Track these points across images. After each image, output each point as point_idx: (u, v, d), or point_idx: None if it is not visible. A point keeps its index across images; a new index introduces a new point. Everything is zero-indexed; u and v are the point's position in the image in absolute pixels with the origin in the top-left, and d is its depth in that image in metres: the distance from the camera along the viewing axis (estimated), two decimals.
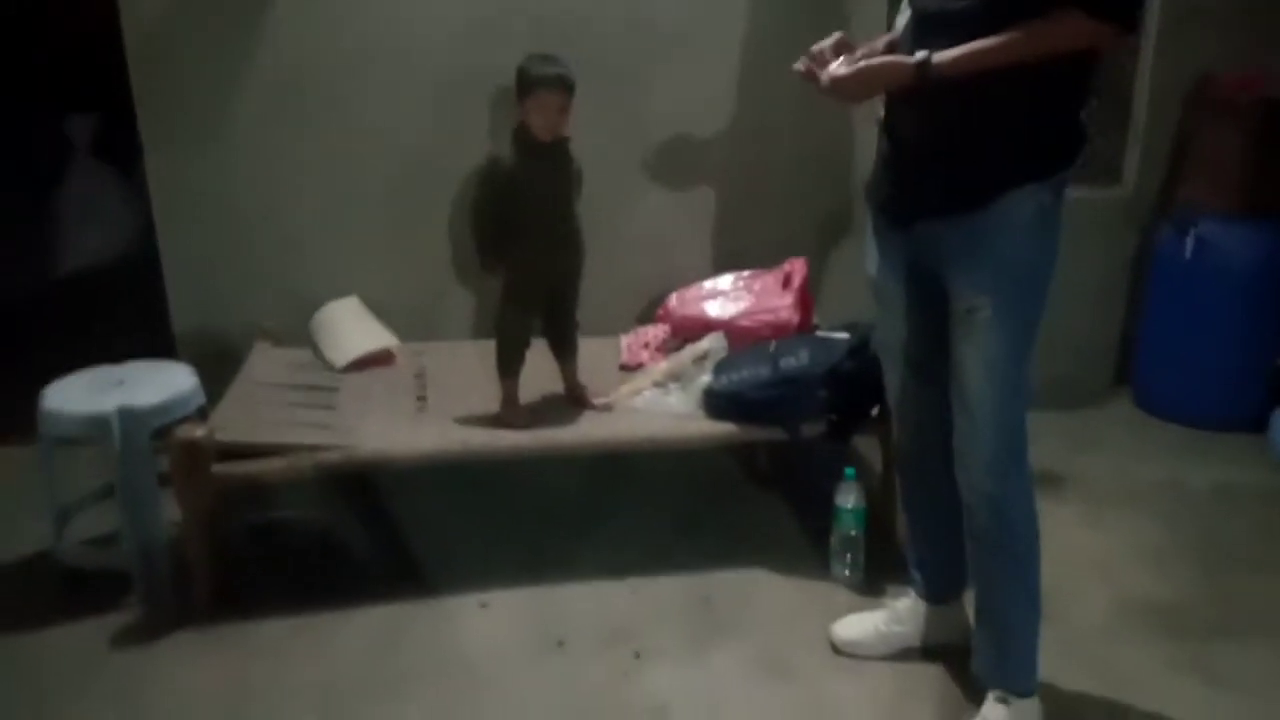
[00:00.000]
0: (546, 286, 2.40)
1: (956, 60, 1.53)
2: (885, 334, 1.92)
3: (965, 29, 1.53)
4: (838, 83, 1.62)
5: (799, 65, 1.72)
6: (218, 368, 2.60)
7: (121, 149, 4.32)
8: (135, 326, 2.87)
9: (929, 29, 1.61)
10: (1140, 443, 3.08)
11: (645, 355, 2.76)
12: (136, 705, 1.95)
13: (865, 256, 1.90)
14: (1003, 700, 1.77)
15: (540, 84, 2.21)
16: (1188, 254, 3.05)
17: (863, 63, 1.63)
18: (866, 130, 2.87)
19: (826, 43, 1.70)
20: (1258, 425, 3.04)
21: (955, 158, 1.62)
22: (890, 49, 1.70)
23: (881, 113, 1.78)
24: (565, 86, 2.23)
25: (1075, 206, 3.22)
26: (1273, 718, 1.92)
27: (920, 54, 1.56)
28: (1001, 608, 1.78)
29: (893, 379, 1.93)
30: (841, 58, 1.67)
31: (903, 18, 1.74)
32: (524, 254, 2.30)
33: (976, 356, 1.65)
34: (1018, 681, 1.78)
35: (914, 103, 1.65)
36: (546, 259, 2.35)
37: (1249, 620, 2.22)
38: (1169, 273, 3.14)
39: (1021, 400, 1.68)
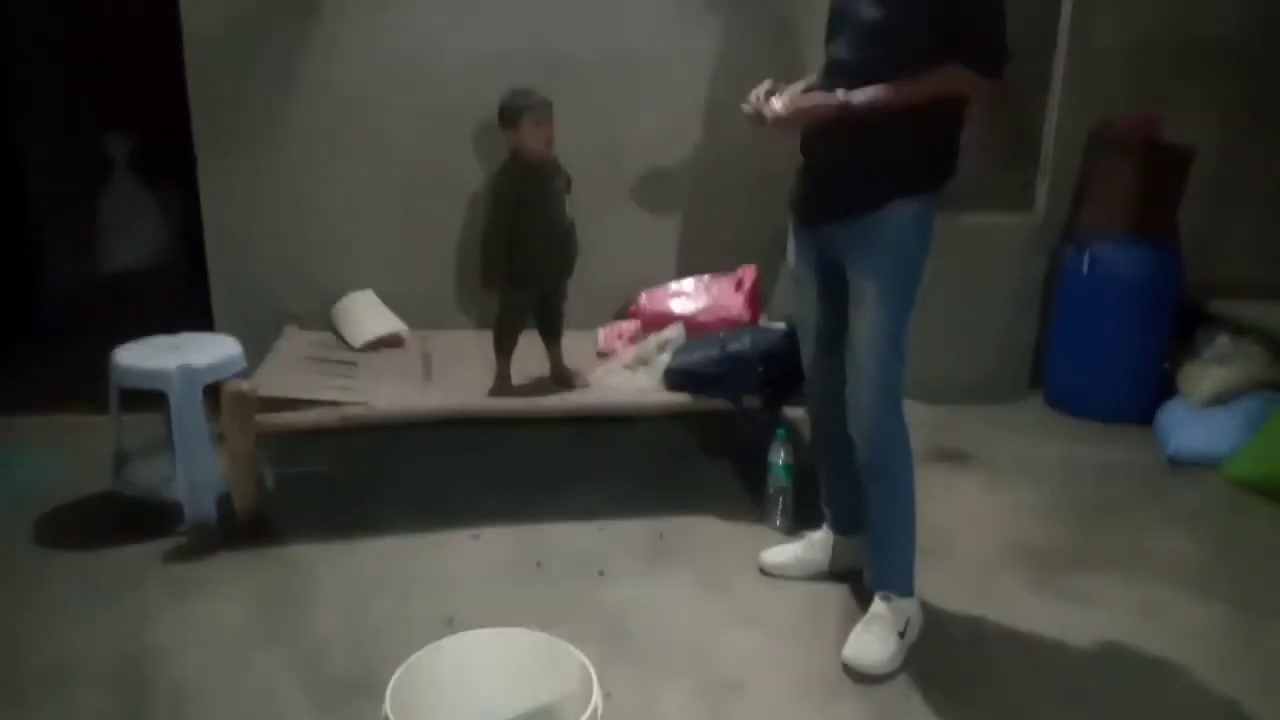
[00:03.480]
0: (542, 283, 2.86)
1: (866, 101, 2.02)
2: (801, 314, 2.40)
3: (866, 77, 2.03)
4: (778, 119, 2.11)
5: (746, 107, 2.19)
6: (252, 348, 3.06)
7: (155, 166, 4.87)
8: (179, 316, 3.35)
9: (839, 75, 2.10)
10: (1044, 431, 3.56)
11: (619, 344, 3.24)
12: (192, 601, 2.40)
13: (786, 251, 2.39)
14: (886, 599, 2.23)
15: (528, 110, 2.70)
16: (1086, 270, 3.55)
17: (799, 102, 2.10)
18: None
19: (762, 89, 2.19)
20: (1146, 418, 3.53)
21: (854, 175, 2.11)
22: (807, 89, 2.20)
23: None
24: (546, 108, 2.71)
25: (996, 229, 3.82)
26: (1110, 625, 2.38)
27: (842, 94, 2.04)
28: (882, 524, 2.25)
29: (807, 350, 2.41)
30: (774, 97, 2.16)
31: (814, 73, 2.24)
32: (525, 259, 2.75)
33: (865, 325, 2.13)
34: (898, 584, 2.25)
35: (825, 131, 2.14)
36: (544, 263, 2.80)
37: (1104, 557, 2.69)
38: (1071, 287, 3.64)
39: (900, 363, 2.15)
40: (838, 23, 2.13)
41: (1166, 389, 3.55)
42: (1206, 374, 3.39)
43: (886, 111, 2.01)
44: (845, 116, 2.04)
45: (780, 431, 2.75)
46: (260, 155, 3.26)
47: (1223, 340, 3.46)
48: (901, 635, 2.19)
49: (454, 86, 3.28)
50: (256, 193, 3.29)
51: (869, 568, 2.31)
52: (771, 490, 2.76)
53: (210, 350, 2.76)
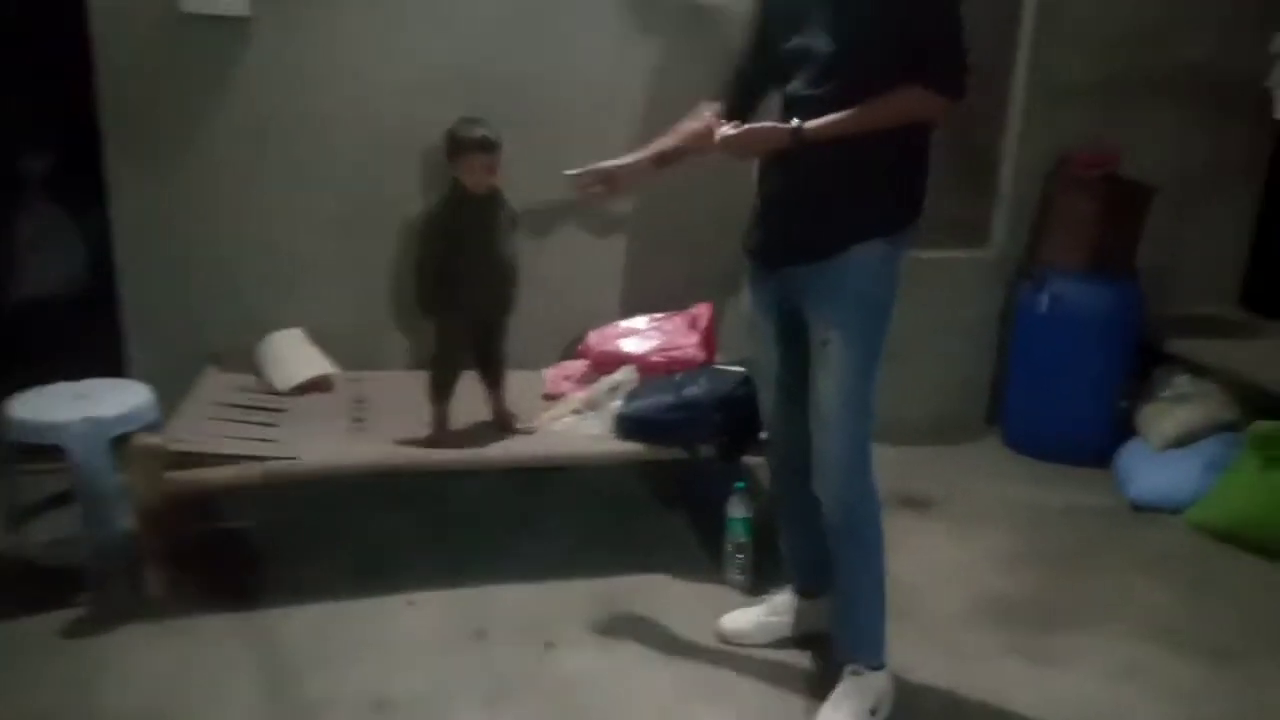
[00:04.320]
0: (479, 322, 2.68)
1: (822, 127, 1.88)
2: (760, 362, 2.25)
3: (825, 109, 1.90)
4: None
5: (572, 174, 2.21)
6: (169, 390, 2.83)
7: (75, 188, 4.54)
8: (90, 352, 3.08)
9: (796, 108, 1.97)
10: (1004, 473, 3.47)
11: (566, 386, 3.06)
12: (88, 686, 2.15)
13: (744, 295, 2.24)
14: (856, 673, 2.08)
15: (467, 147, 2.52)
16: (1044, 308, 3.47)
17: (748, 125, 1.97)
18: None
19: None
20: (1104, 460, 3.45)
21: (815, 215, 1.97)
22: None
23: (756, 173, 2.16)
24: (490, 147, 2.53)
25: (950, 265, 3.70)
26: (1090, 689, 2.26)
27: (795, 121, 1.91)
28: (852, 592, 2.10)
29: (767, 401, 2.26)
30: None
31: (710, 108, 2.15)
32: (461, 293, 2.57)
33: (829, 380, 1.98)
34: (868, 655, 2.09)
35: (782, 167, 2.00)
36: (481, 297, 2.63)
37: (1074, 613, 2.58)
38: (1028, 324, 3.56)
39: (868, 418, 2.01)
40: (793, 59, 1.98)
41: (1125, 429, 3.48)
42: (1166, 414, 3.32)
43: (846, 142, 1.88)
44: (798, 144, 1.90)
45: (739, 484, 2.60)
46: (178, 181, 3.02)
47: (1181, 380, 3.41)
48: (874, 713, 2.04)
49: (393, 109, 3.08)
50: (174, 221, 3.05)
51: (837, 638, 2.16)
52: (730, 547, 2.60)
53: (118, 399, 2.52)
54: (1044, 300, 3.47)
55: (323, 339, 3.14)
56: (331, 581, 2.55)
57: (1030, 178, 3.64)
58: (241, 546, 2.75)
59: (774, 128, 1.94)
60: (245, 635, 2.34)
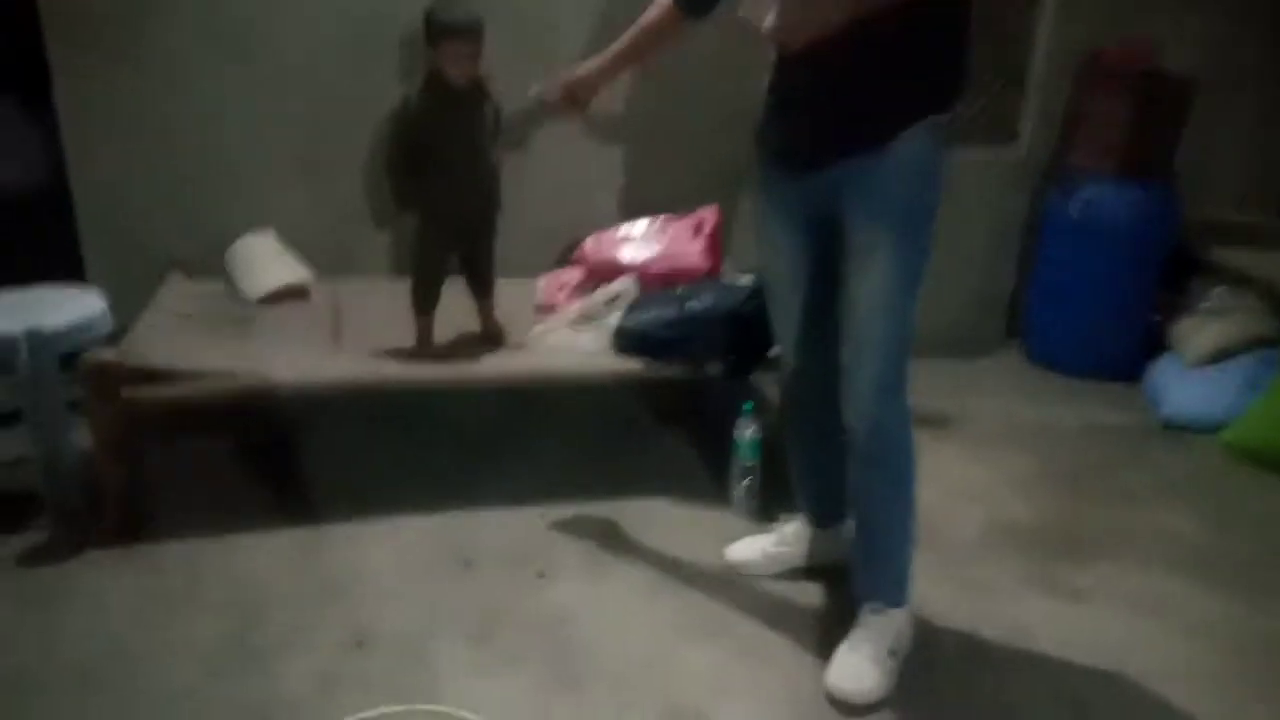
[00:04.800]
0: (462, 225, 2.45)
1: None
2: (774, 279, 2.02)
3: None
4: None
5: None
6: (129, 299, 2.62)
7: (26, 75, 4.21)
8: (44, 257, 2.85)
9: None
10: (1024, 389, 3.29)
11: (561, 297, 2.84)
12: (47, 615, 1.99)
13: (755, 202, 2.01)
14: (877, 611, 1.92)
15: (447, 32, 2.24)
16: (1073, 214, 3.24)
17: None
18: None
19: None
20: (1134, 376, 3.27)
21: (853, 102, 1.71)
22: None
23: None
24: (474, 32, 2.25)
25: (973, 166, 3.44)
26: (1111, 623, 2.12)
27: None
28: (879, 524, 1.92)
29: (781, 320, 2.04)
30: None
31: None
32: (439, 193, 2.34)
33: (869, 289, 1.76)
34: (890, 593, 1.93)
35: (807, 55, 1.74)
36: (461, 199, 2.39)
37: (1097, 541, 2.43)
38: (1056, 232, 3.33)
39: (908, 332, 1.80)
40: None
41: (1157, 344, 3.28)
42: (1203, 329, 3.12)
43: (877, 23, 1.63)
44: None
45: (747, 406, 2.40)
46: (130, 67, 2.74)
47: (1219, 292, 3.20)
48: (893, 654, 1.89)
49: None
50: (130, 116, 2.79)
51: (858, 573, 1.99)
52: (736, 471, 2.42)
53: (68, 309, 2.30)
54: (1074, 206, 3.23)
55: (298, 243, 2.91)
56: (306, 507, 2.38)
57: (1062, 72, 3.36)
58: (208, 469, 2.57)
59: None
60: (212, 565, 2.17)
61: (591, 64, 2.02)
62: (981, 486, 2.65)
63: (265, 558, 2.20)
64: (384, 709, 1.42)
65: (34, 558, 2.17)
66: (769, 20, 1.77)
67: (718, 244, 2.86)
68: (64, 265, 2.82)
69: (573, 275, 2.93)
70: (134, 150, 2.81)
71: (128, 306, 2.55)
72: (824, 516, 2.17)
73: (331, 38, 2.82)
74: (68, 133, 2.77)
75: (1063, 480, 2.71)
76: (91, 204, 2.83)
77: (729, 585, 2.18)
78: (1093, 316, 3.31)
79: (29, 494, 2.25)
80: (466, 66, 2.28)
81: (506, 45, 2.46)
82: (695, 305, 2.44)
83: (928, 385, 1.85)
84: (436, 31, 2.26)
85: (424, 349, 2.49)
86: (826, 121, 1.75)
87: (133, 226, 2.85)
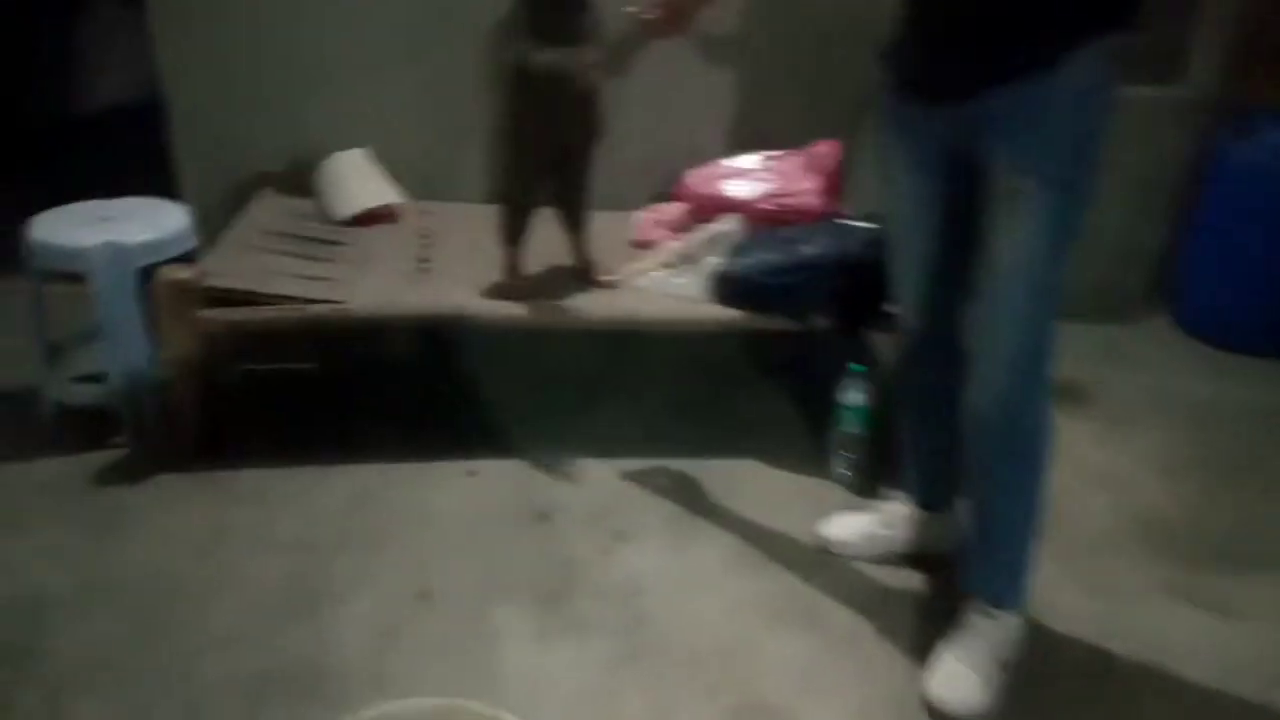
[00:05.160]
0: (556, 153, 2.25)
1: None
2: (897, 228, 1.77)
3: None
4: None
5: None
6: (221, 214, 2.54)
7: None
8: (139, 168, 2.79)
9: None
10: (1172, 361, 2.94)
11: (659, 234, 2.63)
12: (113, 539, 1.96)
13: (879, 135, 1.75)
14: (987, 613, 1.70)
15: None
16: (1251, 160, 2.82)
17: None
18: None
19: None
20: None
21: (1015, 16, 1.43)
22: None
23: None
24: None
25: (1130, 104, 3.00)
26: (1257, 641, 1.85)
27: None
28: (1000, 516, 1.69)
29: (902, 271, 1.80)
30: None
31: None
32: (527, 105, 2.15)
33: (1013, 245, 1.50)
34: (1006, 594, 1.71)
35: None
36: (555, 124, 2.19)
37: (1253, 544, 2.13)
38: (1225, 180, 2.92)
39: (1055, 296, 1.54)
40: None
41: None
42: None
43: None
44: None
45: (855, 366, 2.17)
46: None
47: None
48: (1003, 665, 1.67)
49: None
50: (222, 30, 2.66)
51: (969, 567, 1.76)
52: (837, 439, 2.21)
53: (149, 222, 2.22)
54: (1251, 151, 2.82)
55: (390, 160, 2.77)
56: (383, 441, 2.29)
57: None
58: (286, 394, 2.49)
59: None
60: (281, 500, 2.10)
61: None
62: (1117, 471, 2.36)
63: (335, 495, 2.12)
64: (384, 707, 1.29)
65: (106, 478, 2.14)
66: None
67: (836, 183, 2.59)
68: (158, 177, 2.75)
69: (672, 211, 2.71)
70: (225, 62, 2.69)
71: (219, 221, 2.48)
72: (934, 499, 1.95)
73: None
74: (161, 43, 2.67)
75: (1216, 470, 2.39)
76: (185, 116, 2.74)
77: (822, 566, 1.98)
78: (1259, 279, 2.91)
79: (106, 410, 2.20)
80: None
81: None
82: (805, 250, 2.20)
83: (1062, 352, 1.60)
84: None
85: (511, 282, 2.33)
86: (975, 40, 1.48)
87: (226, 140, 2.75)
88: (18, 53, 4.01)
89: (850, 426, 2.18)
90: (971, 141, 1.54)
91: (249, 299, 2.15)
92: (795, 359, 2.66)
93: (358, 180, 2.70)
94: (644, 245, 2.58)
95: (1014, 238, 1.50)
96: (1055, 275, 1.52)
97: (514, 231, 2.30)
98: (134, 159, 2.81)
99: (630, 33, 1.83)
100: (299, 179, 2.72)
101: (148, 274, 2.13)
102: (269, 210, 2.64)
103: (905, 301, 1.81)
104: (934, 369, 1.79)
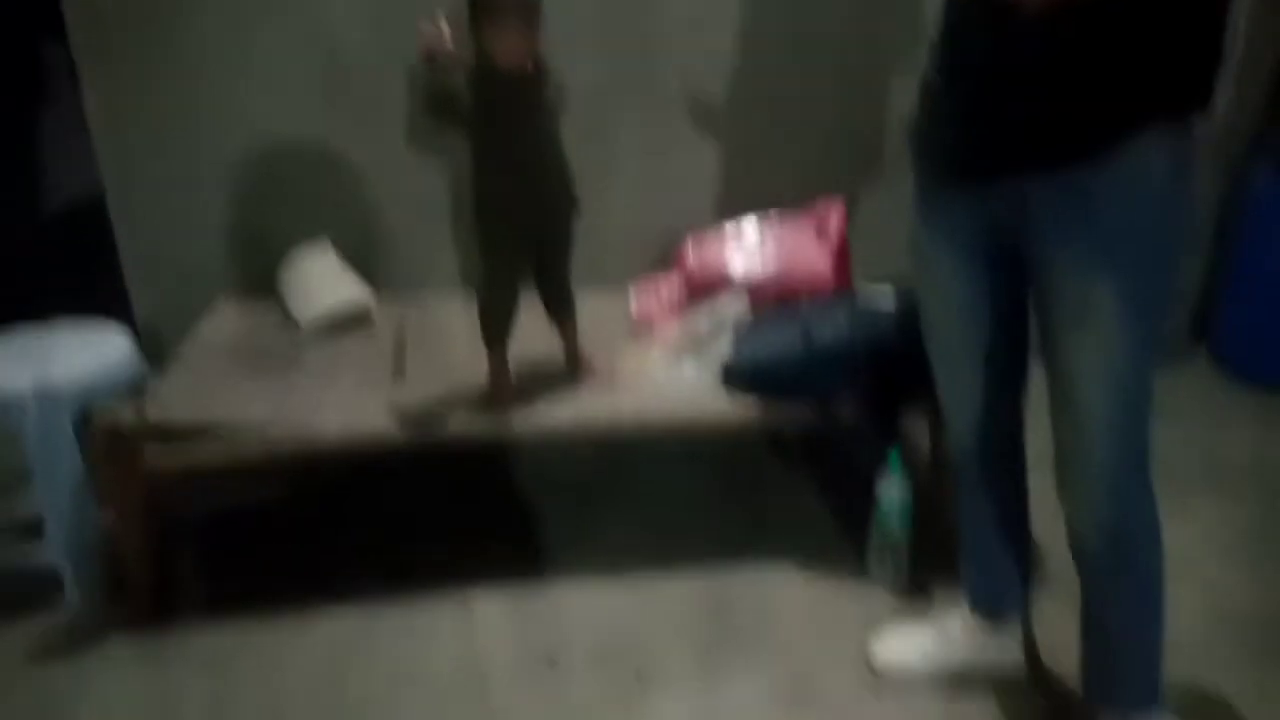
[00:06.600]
0: (531, 236, 2.02)
1: None
2: (934, 322, 1.55)
3: None
4: None
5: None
6: (176, 324, 2.33)
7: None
8: (87, 283, 2.55)
9: None
10: (1221, 412, 2.71)
11: (657, 313, 2.39)
12: None
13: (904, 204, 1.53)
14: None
15: (495, 9, 1.77)
16: None
17: None
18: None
19: None
20: None
21: (1068, 89, 1.21)
22: None
23: None
24: (524, 9, 1.77)
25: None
26: None
27: None
28: (1123, 630, 1.48)
29: (943, 374, 1.57)
30: None
31: None
32: (499, 195, 1.92)
33: (1094, 364, 1.29)
34: (1142, 697, 1.47)
35: (1000, 20, 1.24)
36: (524, 205, 1.95)
37: None
38: (1265, 215, 2.72)
39: (1147, 406, 1.33)
40: None
41: None
42: None
43: None
44: None
45: (893, 461, 1.92)
46: (160, 59, 2.38)
47: None
48: None
49: None
50: (172, 113, 2.44)
51: (1098, 682, 1.52)
52: (878, 539, 1.95)
53: (85, 355, 1.97)
54: None
55: (358, 255, 2.53)
56: (360, 586, 2.00)
57: (1268, 26, 2.72)
58: (252, 535, 2.21)
59: None
60: (248, 661, 1.82)
61: None
62: (1187, 555, 2.07)
63: (308, 656, 1.84)
64: None
65: (44, 651, 1.85)
66: None
67: (846, 248, 2.36)
68: (107, 292, 2.52)
69: (670, 285, 2.47)
70: (177, 156, 2.47)
71: (173, 334, 2.25)
72: (1000, 608, 1.70)
73: (367, 17, 2.41)
74: (101, 146, 2.45)
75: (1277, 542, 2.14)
76: (129, 219, 2.51)
77: (883, 698, 1.71)
78: None
79: (42, 573, 1.93)
80: (515, 49, 1.81)
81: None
82: (825, 336, 1.96)
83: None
84: (483, 5, 1.80)
85: (499, 390, 2.07)
86: (1020, 113, 1.24)
87: (175, 240, 2.52)
88: None
89: (890, 525, 1.92)
90: (1016, 230, 1.32)
91: (197, 434, 1.89)
92: (821, 451, 2.41)
93: (321, 280, 2.46)
94: (643, 326, 2.35)
95: (1088, 351, 1.29)
96: (1142, 384, 1.31)
97: (497, 331, 2.05)
98: (87, 265, 2.58)
99: None
100: (260, 281, 2.49)
101: (86, 416, 1.88)
102: (227, 320, 2.40)
103: (955, 414, 1.58)
104: (992, 465, 1.58)
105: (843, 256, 2.33)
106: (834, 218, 2.37)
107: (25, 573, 1.95)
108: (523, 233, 1.96)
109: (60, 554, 1.90)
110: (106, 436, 1.81)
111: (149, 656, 1.84)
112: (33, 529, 1.94)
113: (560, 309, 2.14)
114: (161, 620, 1.89)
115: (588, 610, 1.94)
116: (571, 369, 2.16)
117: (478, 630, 1.90)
